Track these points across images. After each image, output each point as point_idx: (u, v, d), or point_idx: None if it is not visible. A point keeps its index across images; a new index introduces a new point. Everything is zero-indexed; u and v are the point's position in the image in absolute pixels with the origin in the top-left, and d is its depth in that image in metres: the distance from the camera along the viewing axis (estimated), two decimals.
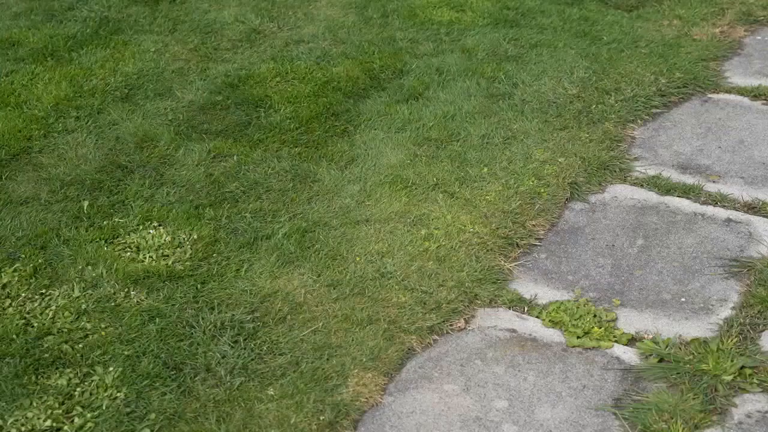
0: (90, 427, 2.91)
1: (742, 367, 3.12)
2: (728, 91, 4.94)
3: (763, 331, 3.29)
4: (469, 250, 3.70)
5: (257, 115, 4.69)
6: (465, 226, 3.82)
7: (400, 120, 4.61)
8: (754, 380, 3.08)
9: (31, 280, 3.52)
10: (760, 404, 3.00)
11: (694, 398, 3.00)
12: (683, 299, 3.47)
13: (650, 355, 3.21)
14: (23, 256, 3.63)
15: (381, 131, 4.52)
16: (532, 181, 4.11)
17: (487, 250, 3.71)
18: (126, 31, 5.61)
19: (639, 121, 4.66)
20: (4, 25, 5.69)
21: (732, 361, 3.13)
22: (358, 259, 3.65)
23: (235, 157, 4.29)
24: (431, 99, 4.83)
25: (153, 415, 2.96)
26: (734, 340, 3.23)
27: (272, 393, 3.05)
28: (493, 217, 3.88)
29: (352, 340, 3.27)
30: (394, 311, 3.40)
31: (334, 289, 3.50)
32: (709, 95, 4.91)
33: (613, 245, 3.78)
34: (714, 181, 4.15)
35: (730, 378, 3.09)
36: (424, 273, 3.57)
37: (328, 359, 3.18)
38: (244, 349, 3.22)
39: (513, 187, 4.07)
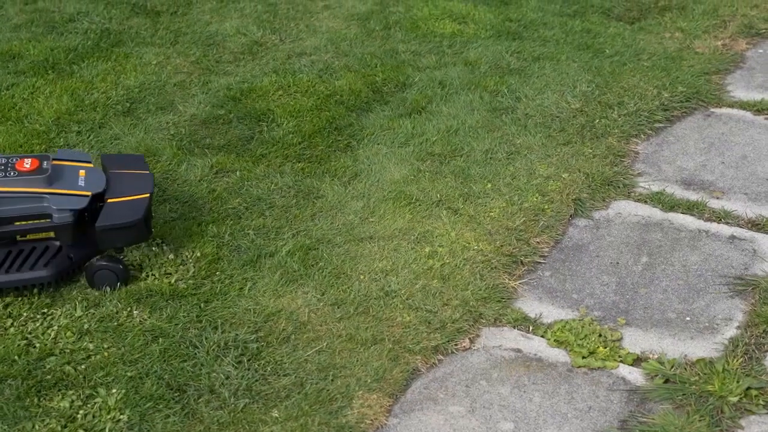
0: None
1: (748, 388, 3.11)
2: (731, 106, 4.93)
3: None
4: (474, 268, 3.69)
5: (260, 129, 4.68)
6: (469, 243, 3.81)
7: (403, 134, 4.60)
8: (760, 401, 3.07)
9: (32, 300, 3.50)
10: (766, 426, 2.99)
11: (700, 420, 2.99)
12: (688, 318, 3.46)
13: (656, 375, 3.20)
14: None
15: (384, 146, 4.51)
16: (536, 198, 4.09)
17: (492, 268, 3.69)
18: (127, 44, 5.60)
19: (642, 135, 4.65)
20: (4, 37, 5.67)
21: (738, 382, 3.12)
22: (362, 277, 3.63)
23: (237, 173, 4.28)
24: (434, 113, 4.82)
25: None
26: (740, 361, 3.22)
27: (277, 415, 3.03)
28: (497, 234, 3.87)
29: (357, 360, 3.25)
30: (398, 331, 3.38)
31: (338, 308, 3.48)
32: (712, 109, 4.90)
33: (618, 263, 3.76)
34: (718, 198, 4.14)
35: (736, 399, 3.07)
36: (428, 291, 3.56)
37: (332, 380, 3.17)
38: (248, 369, 3.21)
39: (517, 203, 4.06)
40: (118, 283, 3.54)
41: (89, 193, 3.47)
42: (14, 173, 3.41)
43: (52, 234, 3.47)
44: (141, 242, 3.64)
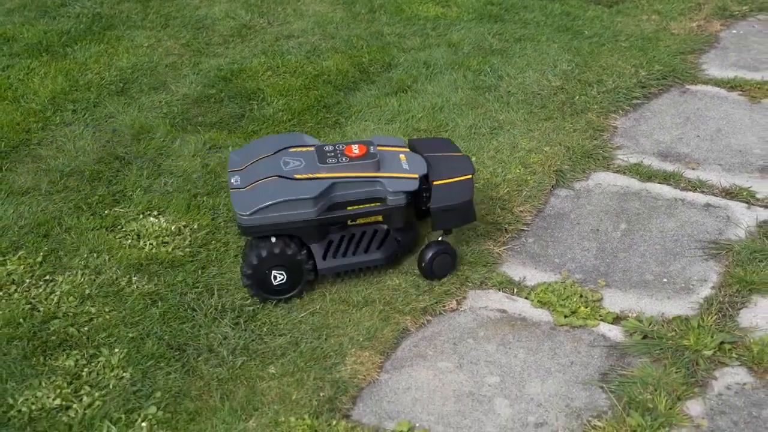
0: (98, 405, 3.03)
1: (722, 343, 3.26)
2: (706, 83, 5.09)
3: (741, 308, 3.44)
4: (460, 235, 3.83)
5: (250, 107, 4.81)
6: None
7: (389, 112, 4.74)
8: (733, 355, 3.23)
9: (35, 267, 3.62)
10: (738, 377, 3.15)
11: (676, 372, 3.15)
12: (665, 280, 3.62)
13: (634, 332, 3.35)
14: (27, 244, 3.74)
15: (371, 122, 4.65)
16: (519, 169, 4.24)
17: (477, 235, 3.84)
18: (119, 27, 5.72)
19: (621, 111, 4.80)
20: None
21: (712, 337, 3.28)
22: None
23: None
24: (419, 91, 4.96)
25: (159, 394, 3.08)
26: (714, 318, 3.38)
27: (273, 371, 3.17)
28: (482, 203, 4.01)
29: (349, 320, 3.39)
30: (389, 293, 3.53)
31: None
32: (688, 87, 5.06)
33: (598, 230, 3.92)
34: (693, 169, 4.30)
35: (710, 353, 3.23)
36: (417, 257, 3.70)
37: (326, 339, 3.31)
38: (245, 330, 3.34)
39: (500, 175, 4.21)
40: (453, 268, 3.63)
41: (417, 176, 3.49)
42: (345, 159, 3.43)
43: (380, 218, 3.53)
44: (468, 224, 3.67)
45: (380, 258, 3.56)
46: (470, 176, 3.55)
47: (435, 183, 3.51)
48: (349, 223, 3.51)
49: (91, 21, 5.77)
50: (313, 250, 3.49)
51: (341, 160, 3.43)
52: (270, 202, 3.31)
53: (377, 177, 3.44)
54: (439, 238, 3.62)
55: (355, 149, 3.47)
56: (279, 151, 3.54)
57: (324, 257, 3.50)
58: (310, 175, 3.41)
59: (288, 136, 3.70)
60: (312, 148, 3.53)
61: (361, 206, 3.47)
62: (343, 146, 3.50)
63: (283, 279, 3.44)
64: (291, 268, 3.43)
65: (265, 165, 3.48)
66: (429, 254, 3.56)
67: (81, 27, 5.68)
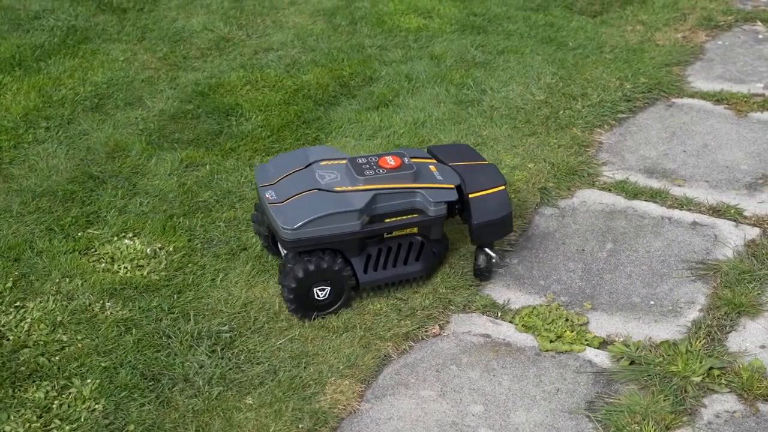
0: None
1: (711, 368, 3.19)
2: (692, 96, 5.03)
3: (730, 332, 3.37)
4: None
5: (228, 123, 4.71)
6: None
7: (370, 127, 4.66)
8: (722, 381, 3.16)
9: (4, 293, 3.52)
10: (728, 404, 3.07)
11: (664, 399, 3.07)
12: (652, 302, 3.54)
13: (621, 357, 3.27)
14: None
15: (352, 138, 4.56)
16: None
17: (460, 256, 3.75)
18: (94, 40, 5.61)
19: (606, 126, 4.73)
20: None
21: (701, 362, 3.21)
22: None
23: (207, 167, 4.31)
24: (401, 106, 4.88)
25: (132, 427, 2.98)
26: (702, 342, 3.30)
27: (251, 402, 3.07)
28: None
29: (329, 347, 3.30)
30: (369, 318, 3.44)
31: None
32: (674, 100, 5.00)
33: (583, 250, 3.84)
34: (680, 185, 4.23)
35: (699, 379, 3.16)
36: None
37: (305, 367, 3.22)
38: (222, 358, 3.25)
39: None
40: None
41: (453, 186, 3.46)
42: (383, 171, 3.39)
43: (415, 230, 3.48)
44: (506, 236, 3.66)
45: (419, 269, 3.54)
46: (504, 187, 3.52)
47: (471, 196, 3.47)
48: (385, 236, 3.46)
49: (65, 34, 5.65)
50: (354, 264, 3.43)
51: (378, 172, 3.39)
52: (317, 215, 3.26)
53: (417, 188, 3.41)
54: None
55: (390, 161, 3.44)
56: (311, 164, 3.49)
57: (365, 270, 3.46)
58: (351, 188, 3.35)
59: (317, 149, 3.64)
60: (344, 161, 3.48)
61: (400, 218, 3.43)
62: (376, 158, 3.46)
63: (326, 294, 3.39)
64: (334, 282, 3.39)
65: (301, 178, 3.43)
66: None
67: (55, 40, 5.56)
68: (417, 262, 3.54)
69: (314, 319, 3.41)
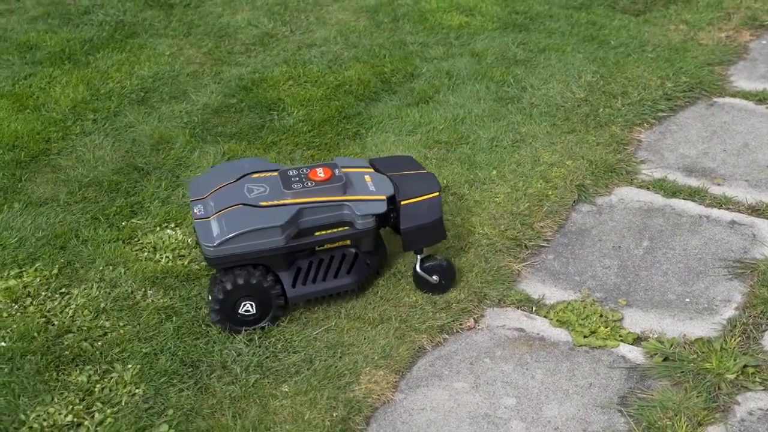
0: (110, 423, 3.00)
1: (745, 366, 3.19)
2: (733, 95, 5.01)
3: (766, 330, 3.37)
4: (478, 251, 3.78)
5: (270, 117, 4.78)
6: (474, 227, 3.90)
7: (410, 123, 4.70)
8: (757, 379, 3.16)
9: (51, 280, 3.61)
10: (762, 402, 3.08)
11: (697, 396, 3.08)
12: (687, 300, 3.55)
13: (655, 354, 3.28)
14: (44, 255, 3.73)
15: (392, 134, 4.61)
16: (540, 184, 4.19)
17: (496, 251, 3.79)
18: (141, 35, 5.71)
19: (645, 124, 4.73)
20: (22, 28, 5.79)
21: (735, 360, 3.21)
22: None
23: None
24: (441, 102, 4.91)
25: (171, 411, 3.05)
26: (737, 340, 3.31)
27: (287, 390, 3.13)
28: (501, 218, 3.96)
29: (364, 338, 3.35)
30: (405, 310, 3.48)
31: None
32: (715, 99, 4.98)
33: (620, 246, 3.85)
34: (719, 184, 4.22)
35: (733, 377, 3.16)
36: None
37: (341, 357, 3.27)
38: (259, 347, 3.31)
39: (521, 189, 4.15)
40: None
41: (384, 197, 3.41)
42: (311, 183, 3.33)
43: (347, 242, 3.45)
44: (438, 242, 3.59)
45: (351, 282, 3.48)
46: (437, 193, 3.47)
47: (403, 203, 3.43)
48: (317, 248, 3.42)
49: (113, 29, 5.77)
50: (282, 279, 3.39)
51: (306, 184, 3.33)
52: (237, 232, 3.20)
53: (344, 201, 3.35)
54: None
55: (320, 173, 3.37)
56: (241, 177, 3.43)
57: (293, 285, 3.40)
58: (276, 202, 3.31)
59: (249, 161, 3.57)
60: (275, 174, 3.43)
61: (330, 231, 3.38)
62: (307, 170, 3.40)
63: (251, 310, 3.35)
64: (262, 298, 3.34)
65: (229, 192, 3.37)
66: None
67: (103, 35, 5.68)
68: (348, 275, 3.47)
69: (240, 333, 3.37)
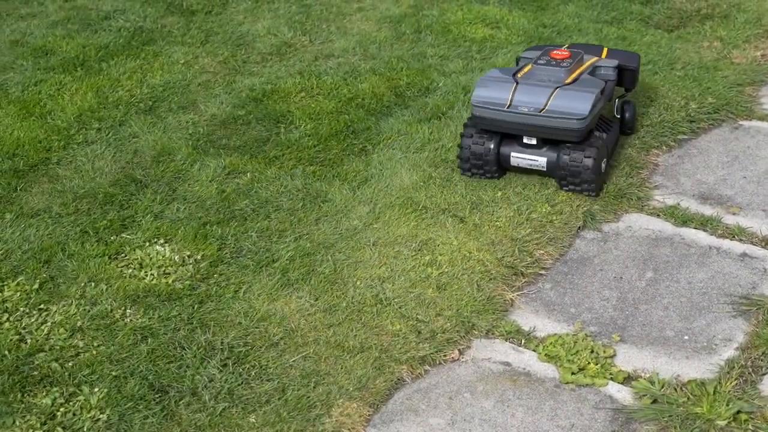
0: None
1: (738, 412, 3.01)
2: (761, 118, 4.79)
3: (765, 374, 3.18)
4: (472, 278, 3.64)
5: (277, 131, 4.68)
6: (471, 252, 3.76)
7: (419, 140, 4.57)
8: (749, 426, 2.98)
9: (31, 295, 3.55)
10: None
11: None
12: (686, 337, 3.37)
13: (644, 395, 3.11)
14: (27, 269, 3.67)
15: (399, 151, 4.48)
16: (545, 208, 4.03)
17: (490, 279, 3.64)
18: (158, 42, 5.66)
19: (664, 147, 4.54)
20: (40, 33, 5.77)
21: (728, 405, 3.03)
22: (358, 283, 3.61)
23: (248, 174, 4.29)
24: (454, 118, 4.77)
25: None
26: (733, 383, 3.12)
27: (254, 420, 3.02)
28: (500, 244, 3.81)
29: (342, 367, 3.23)
30: (387, 339, 3.35)
31: (329, 314, 3.47)
32: (741, 122, 4.77)
33: (621, 277, 3.68)
34: (734, 213, 4.02)
35: (724, 423, 2.98)
36: (422, 301, 3.52)
37: (314, 387, 3.15)
38: (232, 373, 3.21)
39: (525, 213, 3.99)
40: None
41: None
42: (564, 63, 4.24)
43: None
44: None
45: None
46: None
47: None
48: None
49: (131, 35, 5.72)
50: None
51: (562, 65, 4.23)
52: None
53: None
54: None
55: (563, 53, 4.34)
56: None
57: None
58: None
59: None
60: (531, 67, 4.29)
61: None
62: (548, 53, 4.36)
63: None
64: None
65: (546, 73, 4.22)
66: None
67: (120, 41, 5.63)
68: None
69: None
